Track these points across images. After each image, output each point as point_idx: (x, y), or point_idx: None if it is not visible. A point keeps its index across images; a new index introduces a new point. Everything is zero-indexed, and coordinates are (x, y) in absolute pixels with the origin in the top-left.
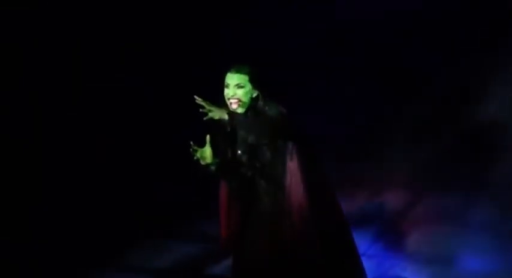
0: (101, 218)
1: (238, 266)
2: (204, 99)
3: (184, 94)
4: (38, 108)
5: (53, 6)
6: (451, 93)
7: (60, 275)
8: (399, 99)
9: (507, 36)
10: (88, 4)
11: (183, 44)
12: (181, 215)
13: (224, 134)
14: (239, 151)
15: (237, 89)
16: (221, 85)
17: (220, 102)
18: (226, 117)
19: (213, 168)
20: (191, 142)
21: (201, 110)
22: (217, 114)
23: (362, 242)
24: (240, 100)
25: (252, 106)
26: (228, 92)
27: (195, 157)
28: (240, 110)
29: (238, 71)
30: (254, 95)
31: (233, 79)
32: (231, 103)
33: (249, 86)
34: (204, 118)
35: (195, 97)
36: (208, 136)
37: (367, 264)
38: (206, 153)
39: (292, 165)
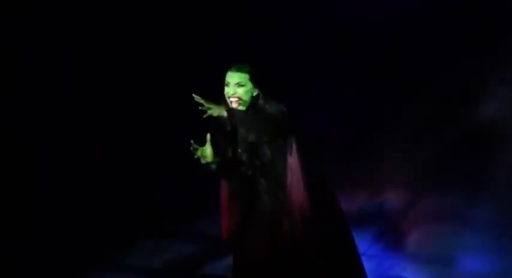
0: (101, 218)
1: (239, 266)
2: (202, 97)
3: (184, 94)
4: (38, 108)
5: (53, 6)
6: (451, 93)
7: (60, 275)
8: (399, 99)
9: (507, 36)
10: (88, 4)
11: (183, 44)
12: (181, 215)
13: (224, 133)
14: (239, 150)
15: (237, 88)
16: (221, 85)
17: (220, 101)
18: (225, 114)
19: (213, 166)
20: (191, 141)
21: (200, 108)
22: (216, 111)
23: (362, 242)
24: (240, 99)
25: (252, 104)
26: (228, 91)
27: (195, 156)
28: (240, 108)
29: (238, 70)
30: (254, 94)
31: (233, 78)
32: (231, 102)
33: (249, 85)
34: (204, 116)
35: (193, 95)
36: (208, 135)
37: (367, 264)
38: (207, 152)
39: (293, 164)
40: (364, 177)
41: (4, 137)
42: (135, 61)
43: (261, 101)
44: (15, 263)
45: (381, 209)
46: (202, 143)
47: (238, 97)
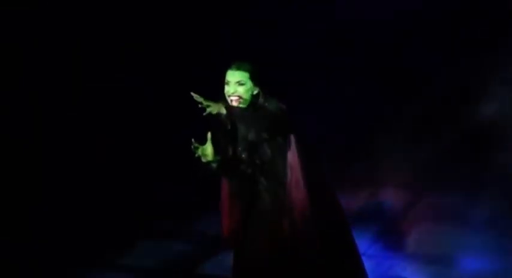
0: (101, 218)
1: (239, 266)
2: (201, 95)
3: (184, 94)
4: (38, 108)
5: (53, 6)
6: (451, 93)
7: (60, 275)
8: (399, 99)
9: (507, 36)
10: (88, 4)
11: (183, 44)
12: (181, 215)
13: (225, 131)
14: (239, 149)
15: (237, 86)
16: (221, 85)
17: (219, 100)
18: (224, 111)
19: (214, 165)
20: (192, 140)
21: (199, 106)
22: (215, 108)
23: (362, 241)
24: (240, 98)
25: (252, 103)
26: (228, 89)
27: (196, 155)
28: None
29: (239, 68)
30: (255, 92)
31: (234, 77)
32: (231, 100)
33: (249, 83)
34: (204, 114)
35: (192, 93)
36: (209, 134)
37: (366, 264)
38: (207, 151)
39: (293, 163)
40: (364, 177)
41: (4, 137)
42: (135, 61)
43: (261, 99)
44: (15, 263)
45: (381, 209)
46: (203, 142)
47: (238, 96)
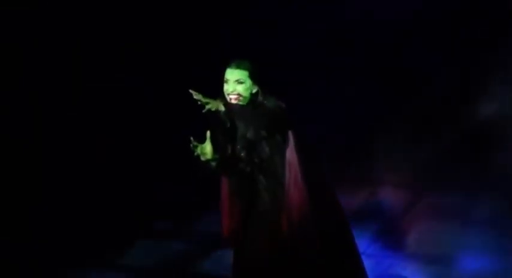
0: (101, 218)
1: (239, 266)
2: (199, 93)
3: (184, 94)
4: (38, 108)
5: (53, 6)
6: (451, 93)
7: (59, 275)
8: (399, 99)
9: (507, 36)
10: (88, 4)
11: (183, 44)
12: (181, 215)
13: (224, 129)
14: (238, 147)
15: (236, 85)
16: (221, 85)
17: (218, 97)
18: (222, 108)
19: (213, 164)
20: (191, 138)
21: (198, 103)
22: (213, 105)
23: (361, 241)
24: (239, 96)
25: (251, 101)
26: (227, 88)
27: (195, 153)
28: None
29: (238, 67)
30: (254, 91)
31: (233, 75)
32: (230, 98)
33: (249, 82)
34: (203, 111)
35: (190, 90)
36: (208, 132)
37: (366, 263)
38: (206, 149)
39: (292, 162)
40: (364, 176)
41: (4, 137)
42: (135, 61)
43: (260, 98)
44: (15, 263)
45: (381, 208)
46: (202, 140)
47: (237, 94)
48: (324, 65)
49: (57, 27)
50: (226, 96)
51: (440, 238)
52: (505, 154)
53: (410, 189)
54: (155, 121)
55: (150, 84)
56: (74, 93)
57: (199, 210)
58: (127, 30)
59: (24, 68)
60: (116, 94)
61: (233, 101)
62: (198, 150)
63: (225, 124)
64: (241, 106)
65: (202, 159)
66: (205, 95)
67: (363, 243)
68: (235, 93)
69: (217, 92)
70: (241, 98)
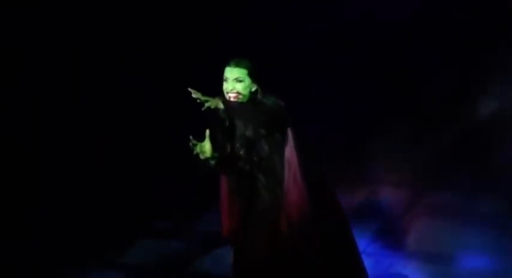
0: (101, 218)
1: (239, 266)
2: (198, 91)
3: (184, 94)
4: (38, 108)
5: (53, 6)
6: (451, 93)
7: (59, 275)
8: (399, 99)
9: (507, 36)
10: (88, 4)
11: (183, 44)
12: (181, 215)
13: (223, 127)
14: (237, 145)
15: (236, 83)
16: (221, 85)
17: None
18: (221, 106)
19: (212, 162)
20: (190, 137)
21: (197, 101)
22: (212, 103)
23: (361, 240)
24: (239, 94)
25: (250, 100)
26: (227, 86)
27: (194, 152)
28: None
29: (237, 65)
30: (253, 89)
31: (232, 73)
32: (229, 97)
33: (248, 80)
34: (202, 109)
35: (189, 89)
36: (207, 131)
37: (366, 262)
38: (205, 148)
39: (291, 160)
40: (364, 176)
41: (4, 137)
42: (135, 61)
43: (259, 96)
44: (15, 263)
45: (381, 207)
46: (201, 139)
47: (236, 93)
48: (324, 65)
49: (57, 27)
50: (226, 94)
51: (440, 237)
52: (505, 154)
53: (410, 188)
54: (155, 121)
55: (150, 84)
56: (74, 93)
57: (199, 210)
58: (127, 30)
59: (24, 68)
60: (116, 94)
61: (232, 99)
62: (197, 148)
63: (224, 122)
64: (241, 104)
65: (202, 157)
66: (204, 93)
67: (363, 242)
68: (234, 91)
69: (218, 92)
70: (240, 96)
